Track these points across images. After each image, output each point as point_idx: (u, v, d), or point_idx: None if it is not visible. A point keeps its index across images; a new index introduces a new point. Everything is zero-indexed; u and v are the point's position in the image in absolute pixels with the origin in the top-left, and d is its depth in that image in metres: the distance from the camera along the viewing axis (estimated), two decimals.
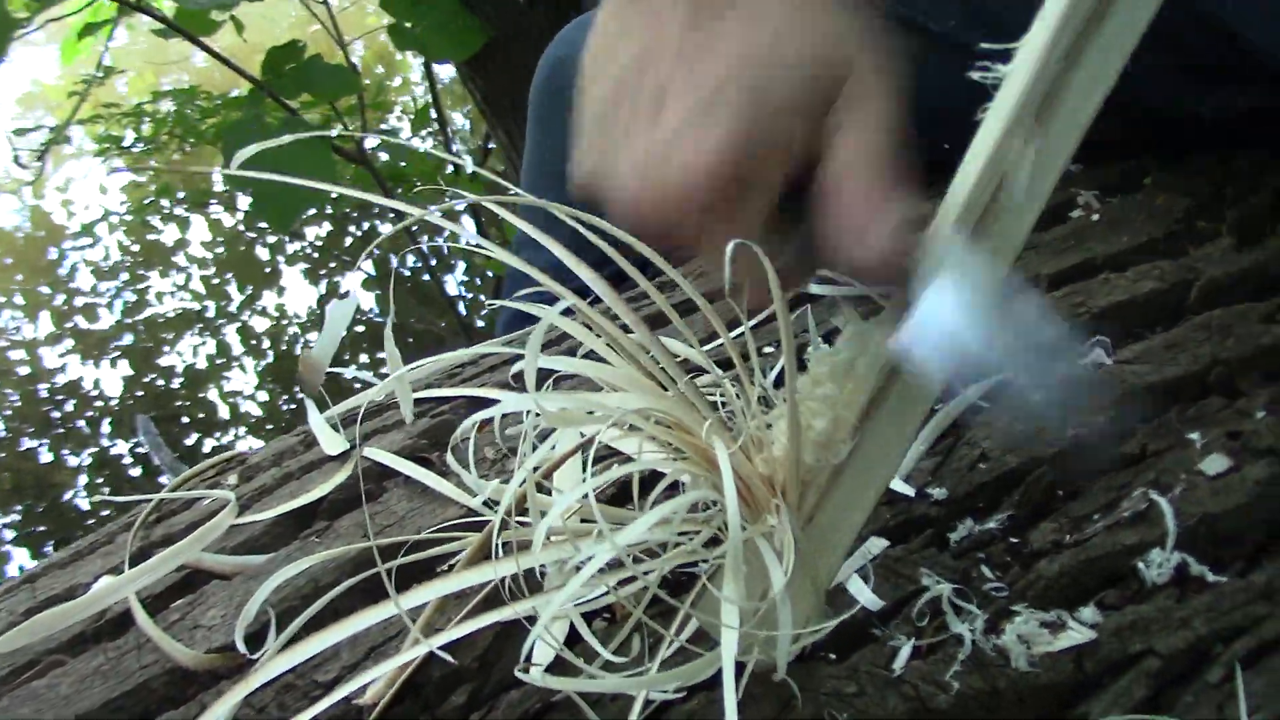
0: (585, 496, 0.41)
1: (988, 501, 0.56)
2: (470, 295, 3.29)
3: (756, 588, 0.46)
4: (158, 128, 2.48)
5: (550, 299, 0.49)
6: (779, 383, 0.49)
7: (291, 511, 0.60)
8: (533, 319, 0.63)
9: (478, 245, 0.51)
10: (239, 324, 3.36)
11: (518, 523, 0.49)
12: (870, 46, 0.47)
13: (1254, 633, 0.51)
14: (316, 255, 3.60)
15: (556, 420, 0.47)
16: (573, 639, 0.50)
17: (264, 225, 3.63)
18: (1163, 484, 0.56)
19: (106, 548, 0.64)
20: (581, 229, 0.50)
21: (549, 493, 0.55)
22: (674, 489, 0.51)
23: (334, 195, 3.57)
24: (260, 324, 3.36)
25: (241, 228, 3.72)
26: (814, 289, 0.69)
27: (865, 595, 0.52)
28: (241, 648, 0.51)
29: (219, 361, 3.25)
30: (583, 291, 0.51)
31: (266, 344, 3.31)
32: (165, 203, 3.63)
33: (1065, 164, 0.44)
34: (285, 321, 3.37)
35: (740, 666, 0.46)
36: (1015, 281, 0.42)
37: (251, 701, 0.50)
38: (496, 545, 0.47)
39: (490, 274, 3.10)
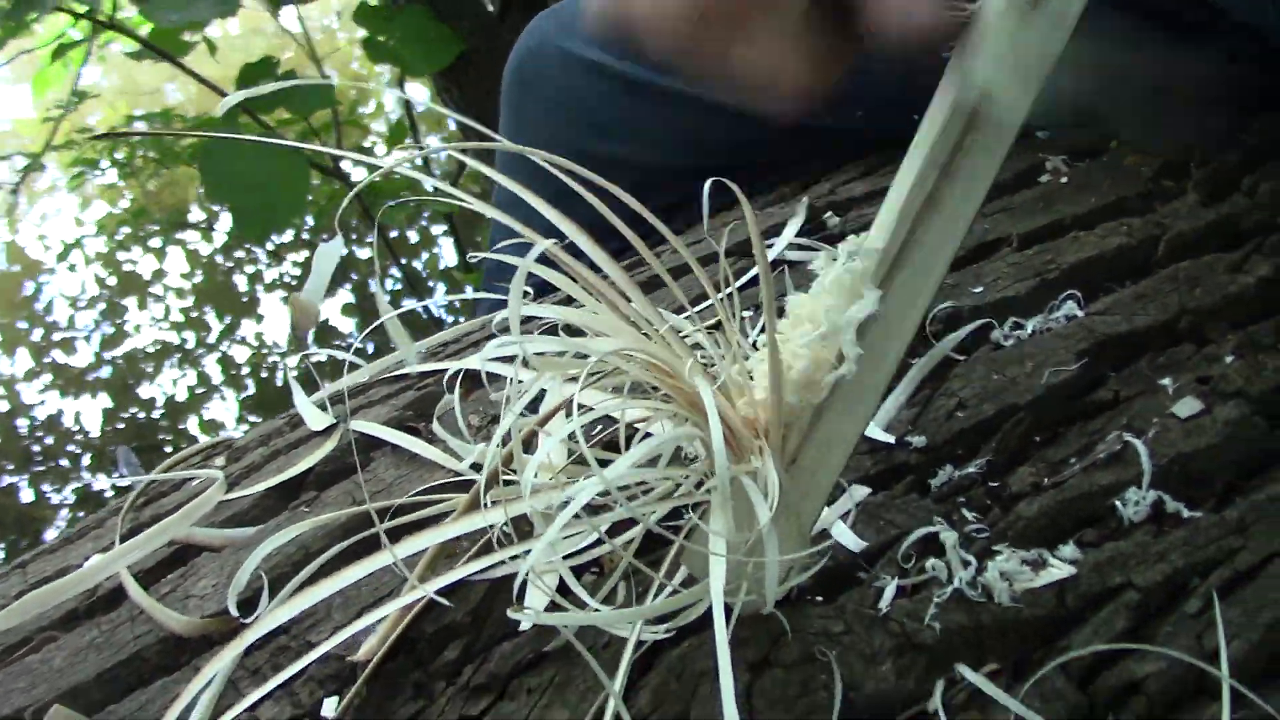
0: (572, 436, 0.42)
1: (966, 448, 0.57)
2: (451, 319, 3.29)
3: (742, 529, 0.46)
4: (133, 151, 2.48)
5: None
6: (758, 342, 0.50)
7: (279, 485, 0.61)
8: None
9: (453, 197, 0.51)
10: (219, 354, 3.35)
11: (505, 480, 0.50)
12: None
13: (1229, 565, 0.52)
14: (295, 283, 3.60)
15: (542, 365, 0.48)
16: (562, 594, 0.51)
17: (241, 254, 3.63)
18: (1136, 427, 0.57)
19: (96, 531, 0.64)
20: (567, 179, 0.51)
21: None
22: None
23: (310, 220, 3.58)
24: (240, 354, 3.35)
25: (219, 257, 3.72)
26: (789, 255, 0.70)
27: (848, 538, 0.53)
28: (234, 612, 0.52)
29: (199, 392, 3.24)
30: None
31: (247, 373, 3.30)
32: (141, 231, 3.62)
33: None
34: (265, 351, 3.37)
35: (728, 609, 0.47)
36: None
37: (246, 664, 0.51)
38: (485, 498, 0.48)
39: (471, 291, 3.11)
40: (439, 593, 0.48)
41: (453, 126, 3.74)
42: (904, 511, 0.54)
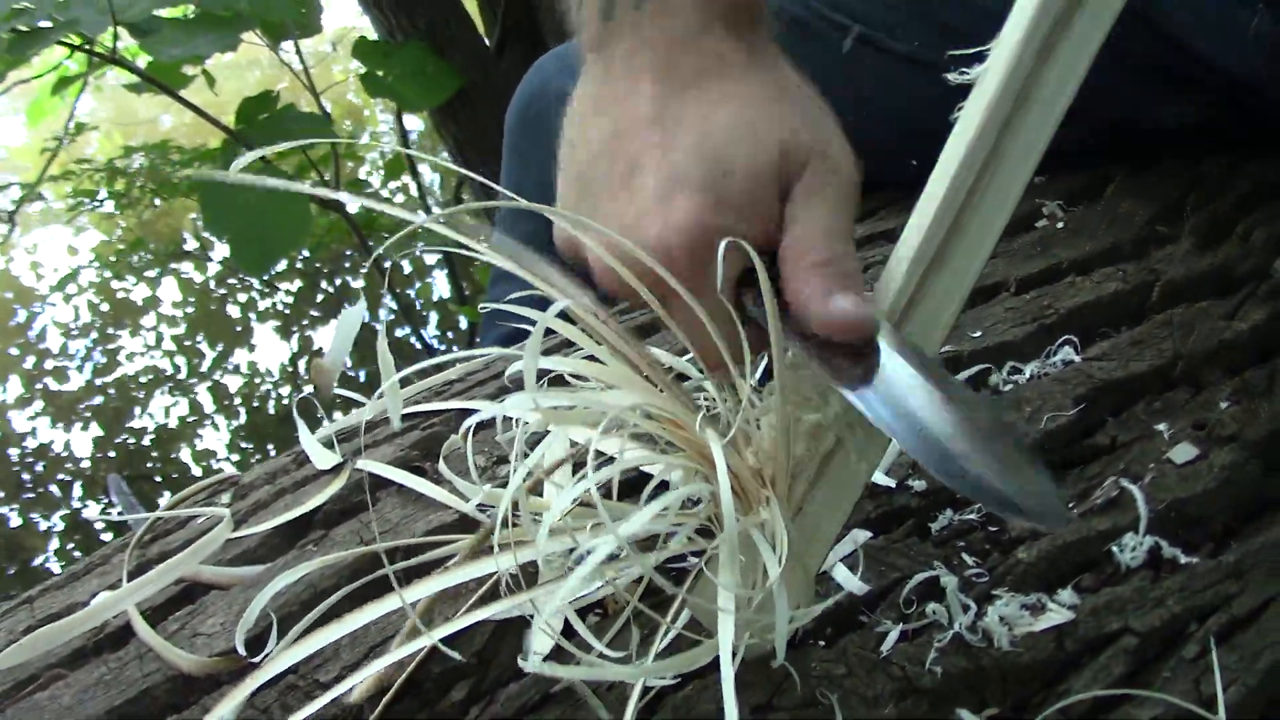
0: (586, 491, 0.43)
1: None
2: (444, 348, 3.30)
3: (749, 576, 0.47)
4: (130, 182, 2.49)
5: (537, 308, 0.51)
6: (760, 385, 0.51)
7: (287, 523, 0.61)
8: (520, 336, 0.65)
9: (464, 247, 0.52)
10: (211, 383, 3.35)
11: (514, 522, 0.50)
12: (826, 129, 0.50)
13: (1225, 610, 0.53)
14: (288, 311, 3.60)
15: (555, 418, 0.49)
16: (566, 634, 0.52)
17: (234, 282, 3.63)
18: (1133, 473, 0.58)
19: (102, 568, 0.65)
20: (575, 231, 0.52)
21: (541, 495, 0.57)
22: (664, 484, 0.53)
23: (305, 252, 3.59)
24: (233, 382, 3.35)
25: (212, 285, 3.72)
26: None
27: (852, 582, 0.53)
28: (242, 651, 0.52)
29: (190, 420, 3.24)
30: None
31: (239, 402, 3.29)
32: (136, 259, 3.62)
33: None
34: (258, 379, 3.37)
35: (733, 653, 0.47)
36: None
37: (255, 702, 0.51)
38: (496, 542, 0.48)
39: (463, 324, 3.11)
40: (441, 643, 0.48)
41: (445, 155, 3.76)
42: (905, 555, 0.55)
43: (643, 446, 0.52)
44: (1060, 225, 0.75)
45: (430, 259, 3.54)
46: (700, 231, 0.47)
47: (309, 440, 0.67)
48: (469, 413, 0.67)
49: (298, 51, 2.04)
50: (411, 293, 3.35)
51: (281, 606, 0.55)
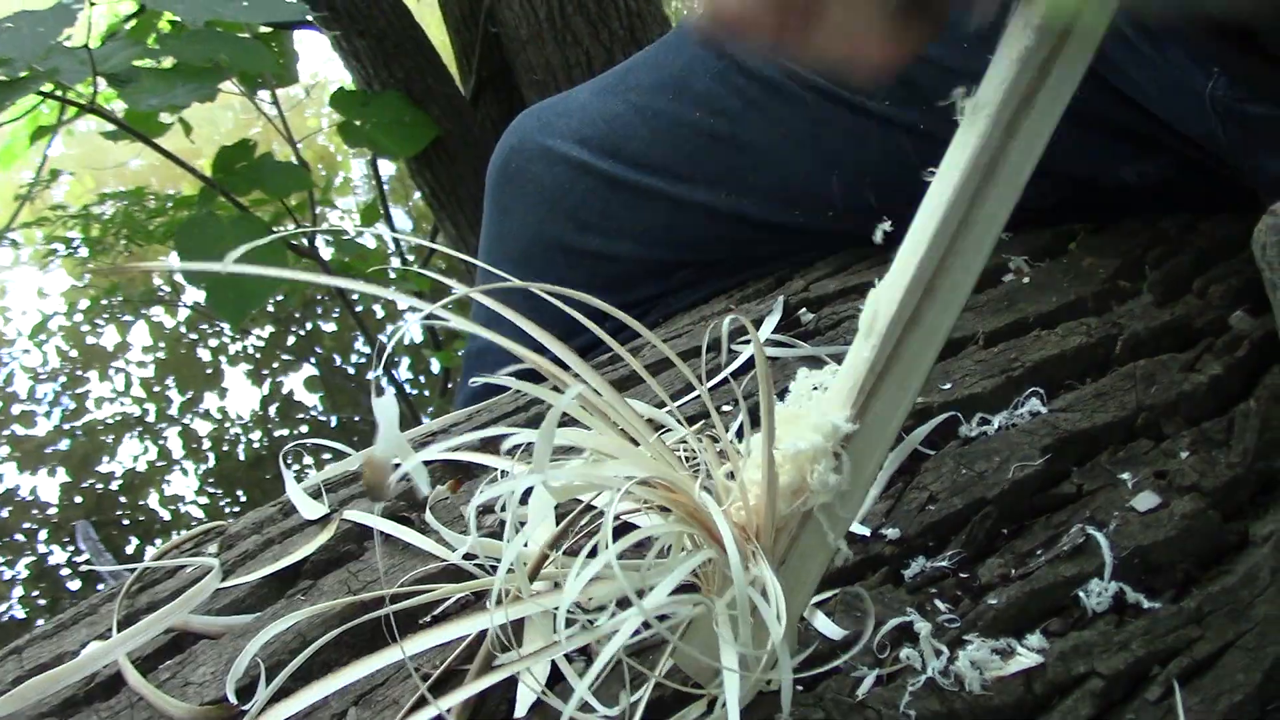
0: (606, 564, 0.44)
1: (937, 540, 0.60)
2: (415, 392, 3.30)
3: (740, 629, 0.49)
4: (105, 229, 2.49)
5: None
6: (738, 436, 0.53)
7: (275, 573, 0.62)
8: (498, 389, 0.66)
9: (442, 319, 0.54)
10: (180, 427, 3.33)
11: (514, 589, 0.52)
12: None
13: (1188, 654, 0.55)
14: (259, 356, 3.60)
15: (561, 494, 0.50)
16: (552, 678, 0.53)
17: (205, 326, 3.63)
18: (1098, 520, 0.60)
19: (91, 618, 0.65)
20: (551, 299, 0.54)
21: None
22: (646, 543, 0.55)
23: (279, 295, 3.59)
24: (202, 427, 3.34)
25: (183, 329, 3.71)
26: (766, 351, 0.73)
27: (829, 628, 0.55)
28: (233, 699, 0.53)
29: (159, 465, 3.22)
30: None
31: (208, 446, 3.28)
32: (106, 303, 3.62)
33: None
34: (228, 424, 3.35)
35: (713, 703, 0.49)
36: None
37: None
38: (495, 595, 0.50)
39: (435, 368, 3.12)
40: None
41: (417, 198, 3.78)
42: (879, 602, 0.57)
43: (632, 504, 0.54)
44: (1026, 280, 0.77)
45: (404, 304, 3.56)
46: None
47: (295, 491, 0.69)
48: (450, 465, 0.69)
49: (274, 100, 2.06)
50: (384, 337, 3.35)
51: (271, 655, 0.56)
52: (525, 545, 0.57)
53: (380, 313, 3.51)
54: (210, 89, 1.84)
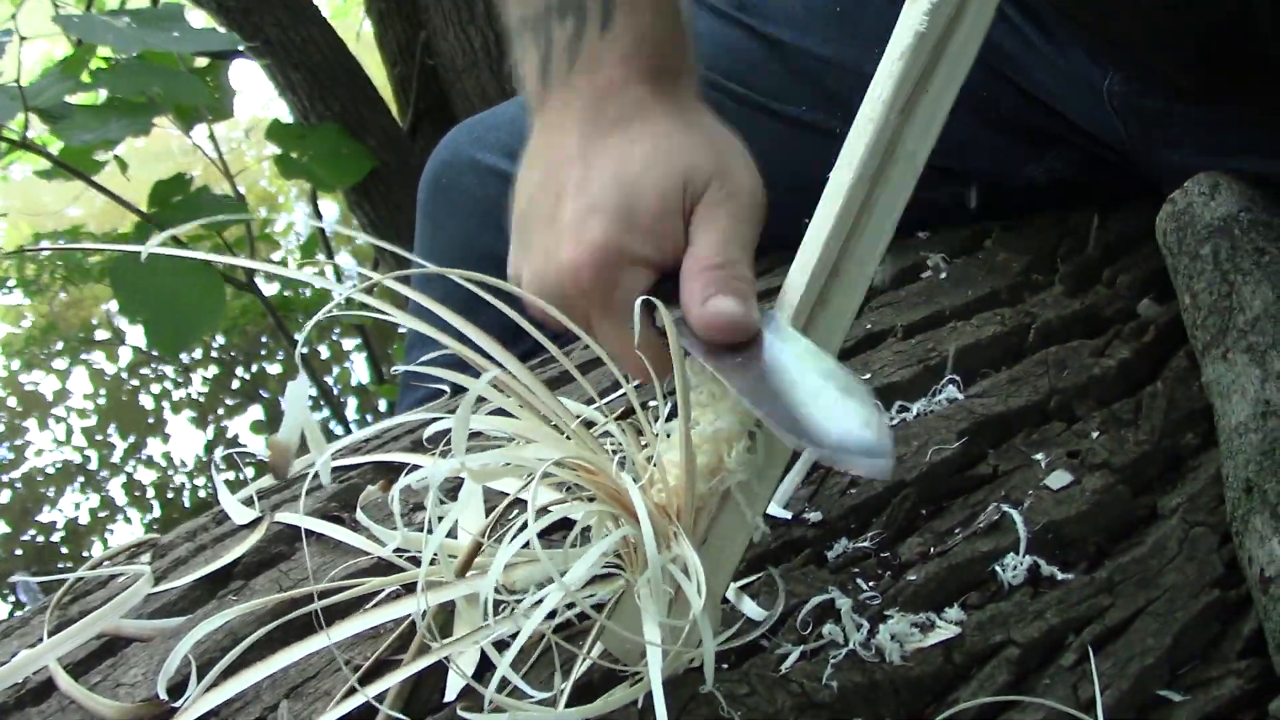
0: (526, 544, 0.45)
1: (859, 523, 0.62)
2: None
3: (663, 609, 0.50)
4: (40, 269, 2.47)
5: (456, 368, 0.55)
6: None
7: (207, 576, 0.62)
8: (437, 398, 0.68)
9: (369, 308, 0.55)
10: (123, 476, 3.29)
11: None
12: (730, 156, 0.56)
13: (1100, 621, 0.57)
14: (203, 400, 3.56)
15: (483, 477, 0.52)
16: (483, 667, 0.54)
17: (147, 372, 3.60)
18: (1013, 498, 0.62)
19: (22, 630, 0.65)
20: (485, 294, 0.55)
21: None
22: (570, 524, 0.56)
23: (219, 341, 3.57)
24: (146, 474, 3.29)
25: (124, 375, 3.67)
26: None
27: (751, 609, 0.56)
28: (164, 696, 0.54)
29: (102, 515, 3.17)
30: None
31: (152, 494, 3.24)
32: (44, 353, 3.57)
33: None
34: (171, 471, 3.31)
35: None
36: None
37: None
38: (422, 583, 0.50)
39: (383, 406, 3.11)
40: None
41: (360, 241, 3.77)
42: (803, 582, 0.58)
43: (556, 492, 0.55)
44: (943, 276, 0.79)
45: (348, 344, 3.55)
46: (610, 251, 0.53)
47: (228, 498, 0.69)
48: (383, 466, 0.70)
49: (211, 136, 2.06)
50: (330, 379, 3.33)
51: (203, 654, 0.57)
52: (453, 536, 0.58)
53: (325, 353, 3.49)
54: (145, 123, 1.84)
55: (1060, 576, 0.58)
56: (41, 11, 1.97)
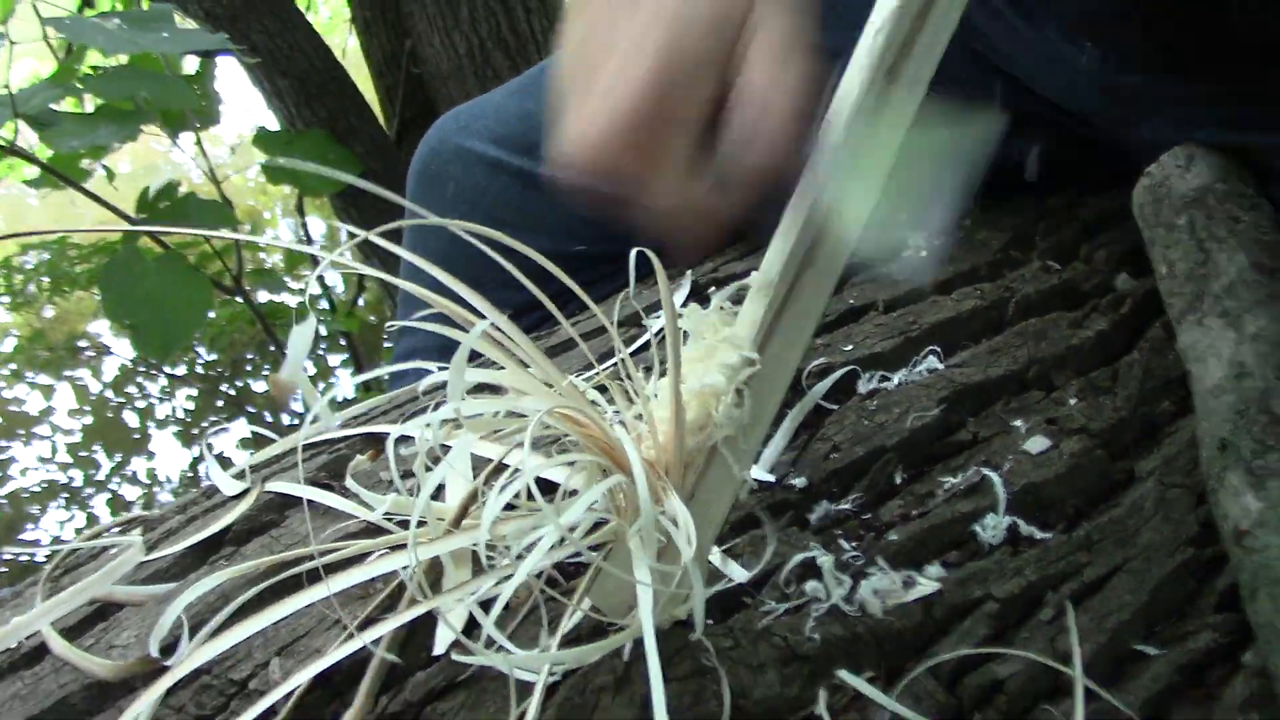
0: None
1: (841, 486, 0.63)
2: None
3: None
4: (28, 279, 2.48)
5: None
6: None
7: (198, 543, 0.63)
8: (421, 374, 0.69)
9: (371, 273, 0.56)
10: (108, 494, 3.28)
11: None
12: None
13: (1078, 578, 0.58)
14: (188, 418, 3.56)
15: (476, 427, 0.52)
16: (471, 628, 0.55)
17: (132, 390, 3.59)
18: (993, 463, 0.63)
19: (14, 603, 0.66)
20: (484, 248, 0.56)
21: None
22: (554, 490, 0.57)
23: (204, 357, 3.56)
24: (130, 492, 3.28)
25: (109, 394, 3.67)
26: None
27: (735, 570, 0.57)
28: (156, 654, 0.54)
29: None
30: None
31: (137, 512, 3.21)
32: (29, 370, 3.56)
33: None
34: (156, 488, 3.30)
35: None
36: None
37: (170, 703, 0.53)
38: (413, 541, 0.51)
39: None
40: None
41: (347, 257, 3.77)
42: (786, 543, 0.59)
43: (544, 457, 0.56)
44: (923, 254, 0.81)
45: (334, 360, 3.55)
46: (655, 96, 0.51)
47: (217, 470, 0.70)
48: (371, 438, 0.71)
49: (198, 141, 2.07)
50: (316, 398, 3.32)
51: (195, 615, 0.58)
52: (442, 494, 0.59)
53: (312, 369, 3.49)
54: (133, 129, 1.85)
55: (1039, 536, 0.59)
56: (30, 21, 1.98)
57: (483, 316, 0.55)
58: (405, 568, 0.54)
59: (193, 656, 0.50)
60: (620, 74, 0.52)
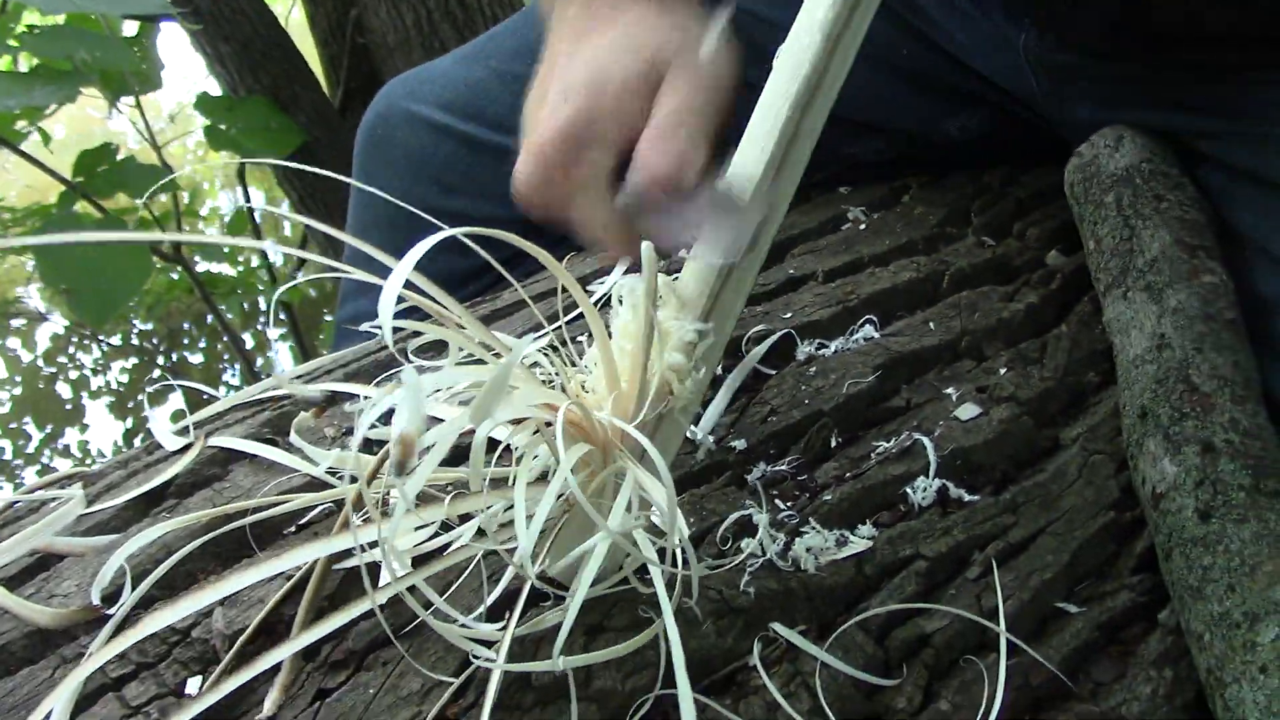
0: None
1: (778, 449, 0.64)
2: None
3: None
4: None
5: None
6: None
7: (140, 496, 0.63)
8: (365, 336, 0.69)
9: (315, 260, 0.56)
10: (39, 465, 3.23)
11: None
12: (697, 38, 0.62)
13: (1003, 539, 0.60)
14: (122, 390, 3.51)
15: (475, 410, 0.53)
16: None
17: (64, 360, 3.54)
18: (925, 428, 0.65)
19: None
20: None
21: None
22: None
23: (139, 327, 3.52)
24: (62, 464, 3.23)
25: (41, 363, 3.61)
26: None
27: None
28: (98, 602, 0.55)
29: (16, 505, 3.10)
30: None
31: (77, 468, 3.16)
32: None
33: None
34: (89, 461, 3.26)
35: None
36: None
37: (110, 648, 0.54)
38: (378, 503, 0.52)
39: None
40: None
41: (287, 231, 3.74)
42: (723, 501, 0.61)
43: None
44: (863, 227, 0.82)
45: (274, 333, 3.52)
46: (578, 124, 0.61)
47: (160, 427, 0.70)
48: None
49: (138, 104, 2.04)
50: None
51: (137, 565, 0.58)
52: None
53: (251, 342, 3.46)
54: (71, 90, 1.82)
55: (967, 498, 0.61)
56: None
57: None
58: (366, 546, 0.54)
59: (144, 623, 0.51)
60: (555, 102, 0.62)
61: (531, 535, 0.44)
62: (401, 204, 0.68)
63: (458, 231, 0.45)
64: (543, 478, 0.52)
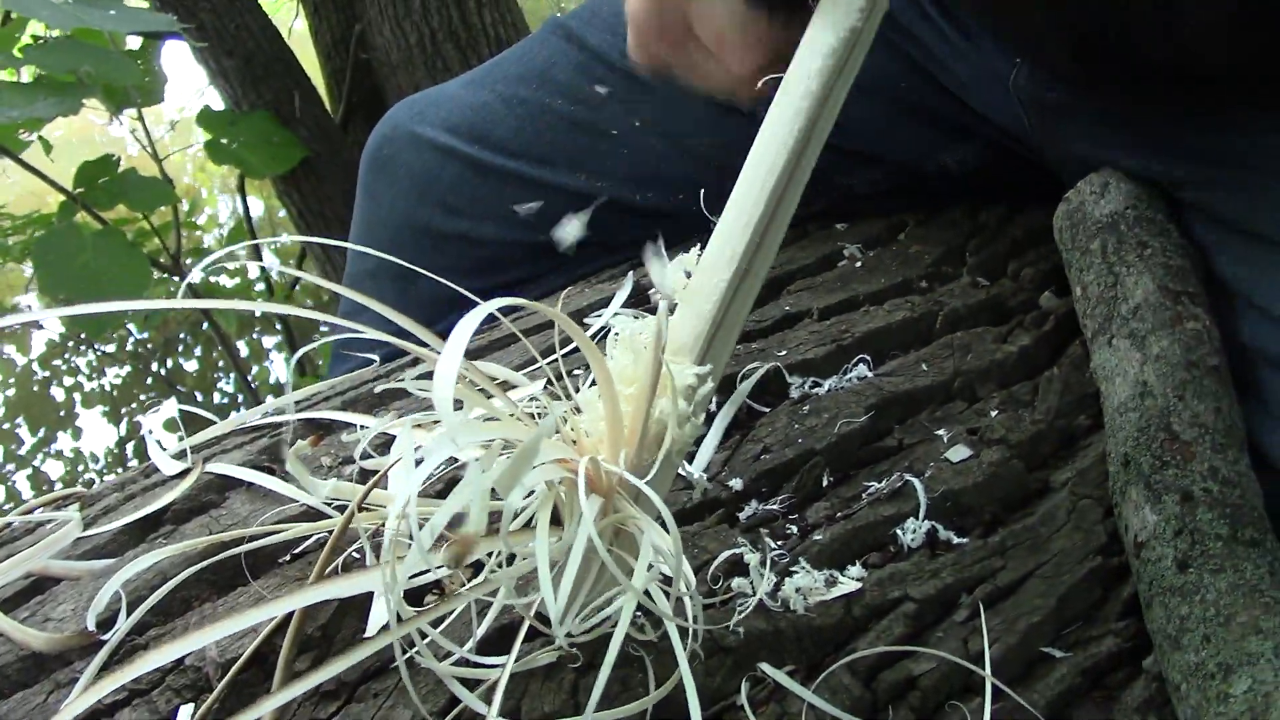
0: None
1: (770, 487, 0.65)
2: None
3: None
4: None
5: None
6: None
7: (137, 521, 0.64)
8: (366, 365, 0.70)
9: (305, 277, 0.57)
10: (30, 469, 3.23)
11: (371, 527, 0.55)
12: None
13: (992, 582, 0.60)
14: (116, 395, 3.51)
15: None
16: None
17: (59, 363, 3.55)
18: (916, 469, 0.66)
19: None
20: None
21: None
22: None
23: (136, 335, 3.52)
24: (54, 469, 3.23)
25: (35, 367, 3.61)
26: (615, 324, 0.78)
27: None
28: (93, 628, 0.55)
29: (7, 508, 3.10)
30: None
31: (60, 488, 3.16)
32: None
33: None
34: (81, 466, 3.26)
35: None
36: None
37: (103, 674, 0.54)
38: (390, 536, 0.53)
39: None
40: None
41: (287, 241, 3.75)
42: (715, 539, 0.61)
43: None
44: (859, 265, 0.83)
45: (268, 341, 3.52)
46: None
47: (158, 452, 0.70)
48: (311, 423, 0.72)
49: (139, 117, 2.05)
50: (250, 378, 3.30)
51: (133, 591, 0.58)
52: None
53: (245, 351, 3.47)
54: (74, 102, 1.82)
55: (956, 541, 0.62)
56: None
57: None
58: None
59: (146, 657, 0.51)
60: None
61: (562, 596, 0.45)
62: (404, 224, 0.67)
63: (495, 304, 0.43)
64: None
